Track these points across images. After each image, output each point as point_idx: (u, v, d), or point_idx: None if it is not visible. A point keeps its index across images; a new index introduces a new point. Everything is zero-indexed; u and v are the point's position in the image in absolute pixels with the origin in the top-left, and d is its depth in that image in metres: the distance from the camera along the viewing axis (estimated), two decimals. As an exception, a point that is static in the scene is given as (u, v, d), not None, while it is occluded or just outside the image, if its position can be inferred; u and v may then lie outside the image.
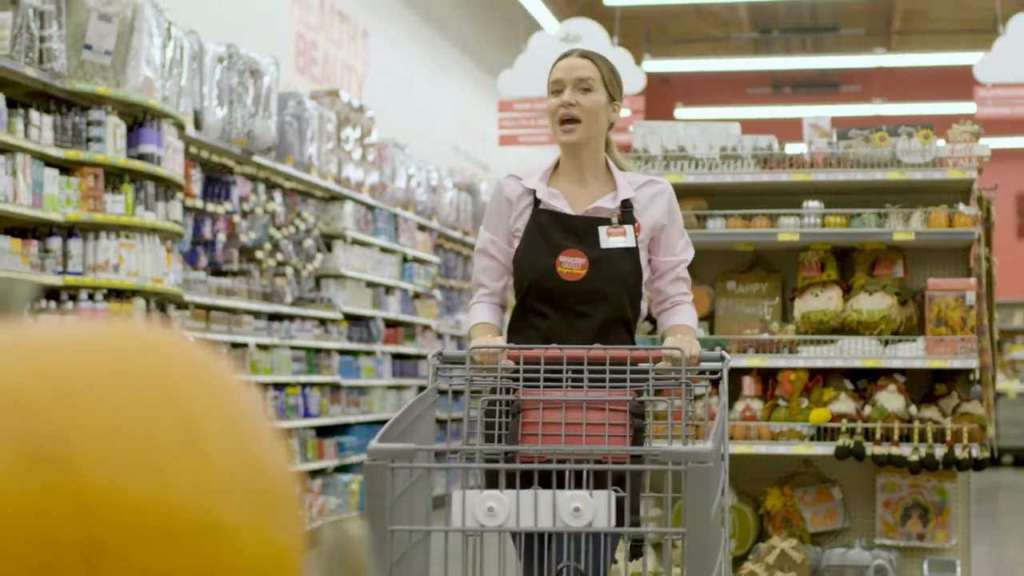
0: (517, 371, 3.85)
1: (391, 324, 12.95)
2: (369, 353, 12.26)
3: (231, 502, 1.05)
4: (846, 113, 21.38)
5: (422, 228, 13.96)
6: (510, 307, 4.28)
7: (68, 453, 0.98)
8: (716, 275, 7.20)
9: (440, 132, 16.52)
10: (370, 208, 12.32)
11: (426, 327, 13.93)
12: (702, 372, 3.91)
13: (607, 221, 4.12)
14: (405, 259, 13.39)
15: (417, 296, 13.72)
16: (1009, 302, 20.59)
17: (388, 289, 12.81)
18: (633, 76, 14.17)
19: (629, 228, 4.11)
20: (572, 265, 4.06)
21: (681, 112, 22.45)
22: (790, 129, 7.35)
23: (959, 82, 17.96)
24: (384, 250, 12.69)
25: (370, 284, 12.31)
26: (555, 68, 4.20)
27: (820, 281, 6.81)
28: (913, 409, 6.67)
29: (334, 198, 11.60)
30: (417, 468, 3.37)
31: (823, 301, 6.76)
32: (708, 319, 7.16)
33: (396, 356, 13.09)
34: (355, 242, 11.91)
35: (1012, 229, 23.71)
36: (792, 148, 7.23)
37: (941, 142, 6.84)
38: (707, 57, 21.80)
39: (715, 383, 4.07)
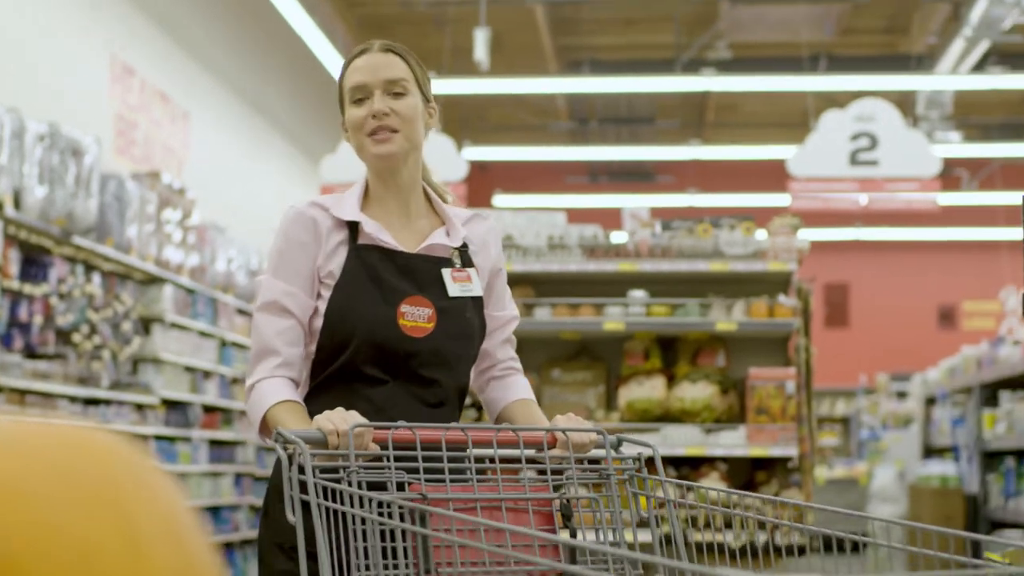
0: (408, 460, 2.71)
1: (209, 409, 12.76)
2: (186, 439, 12.06)
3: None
4: (661, 203, 21.80)
5: (241, 312, 13.82)
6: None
7: (10, 552, 0.95)
8: (541, 363, 7.26)
9: (261, 215, 16.44)
10: (189, 291, 12.16)
11: (243, 413, 13.75)
12: (631, 460, 2.98)
13: (448, 262, 3.28)
14: (224, 343, 13.23)
15: (235, 381, 13.55)
16: (817, 390, 21.09)
17: (206, 374, 12.63)
18: (454, 163, 14.29)
19: (474, 273, 3.29)
20: (417, 317, 3.18)
21: (500, 199, 22.68)
22: (609, 218, 7.48)
23: (772, 175, 18.44)
24: (203, 334, 12.53)
25: (188, 369, 12.13)
26: (352, 69, 3.27)
27: (644, 370, 6.92)
28: (735, 497, 6.78)
29: (153, 280, 11.43)
30: None
31: (647, 390, 6.85)
32: (534, 406, 7.21)
33: (213, 442, 12.89)
34: (174, 326, 11.73)
35: (820, 318, 24.35)
36: (615, 237, 7.35)
37: (762, 234, 7.02)
38: (526, 145, 22.09)
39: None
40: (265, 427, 3.09)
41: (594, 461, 2.92)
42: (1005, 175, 21.81)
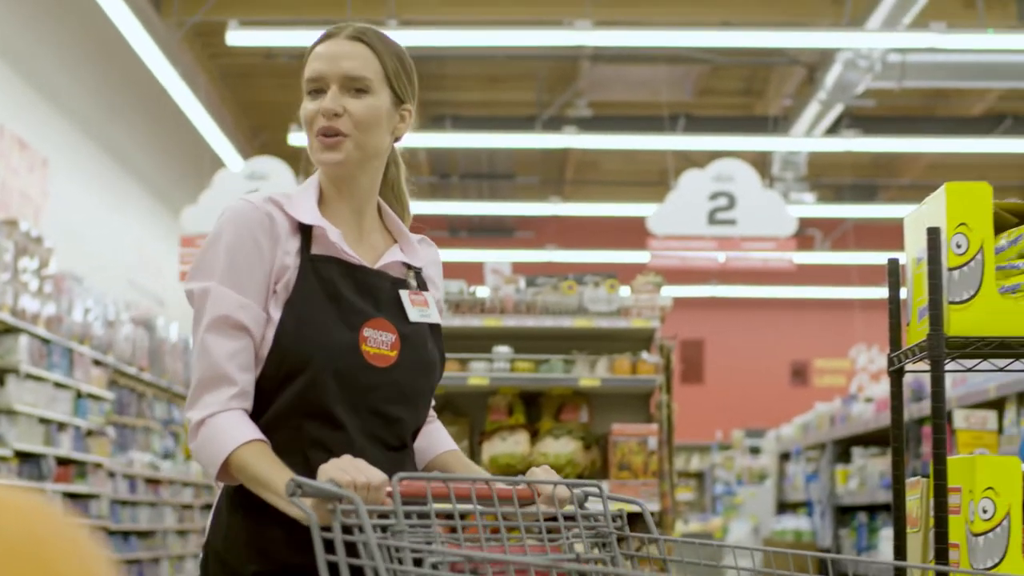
0: (444, 517, 2.38)
1: (63, 462, 12.53)
2: (39, 492, 11.82)
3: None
4: (521, 259, 21.94)
5: (97, 363, 13.62)
6: None
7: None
8: (406, 417, 7.28)
9: (118, 265, 16.23)
10: (45, 341, 11.96)
11: (98, 465, 13.53)
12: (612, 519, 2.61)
13: (404, 283, 2.85)
14: (79, 395, 13.02)
15: (90, 433, 13.33)
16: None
17: (61, 426, 12.42)
18: (317, 216, 14.25)
19: (430, 297, 2.88)
20: (380, 343, 2.72)
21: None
22: (471, 272, 7.54)
23: (632, 232, 18.65)
24: (58, 385, 12.32)
25: (43, 420, 11.91)
26: (313, 56, 2.83)
27: (508, 425, 6.96)
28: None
29: (9, 330, 11.23)
30: None
31: (511, 445, 6.89)
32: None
33: (67, 495, 12.66)
34: (29, 376, 11.53)
35: (675, 374, 24.62)
36: (475, 289, 7.41)
37: (626, 291, 7.12)
38: (387, 199, 22.06)
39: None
40: (226, 472, 2.61)
41: (586, 517, 2.60)
42: (857, 235, 22.30)
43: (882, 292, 14.43)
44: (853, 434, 10.61)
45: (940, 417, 2.93)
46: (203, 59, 17.25)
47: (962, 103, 17.34)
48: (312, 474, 2.39)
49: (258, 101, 19.24)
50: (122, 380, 14.82)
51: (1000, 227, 3.02)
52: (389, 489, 2.30)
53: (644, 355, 6.95)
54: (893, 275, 3.29)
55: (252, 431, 2.61)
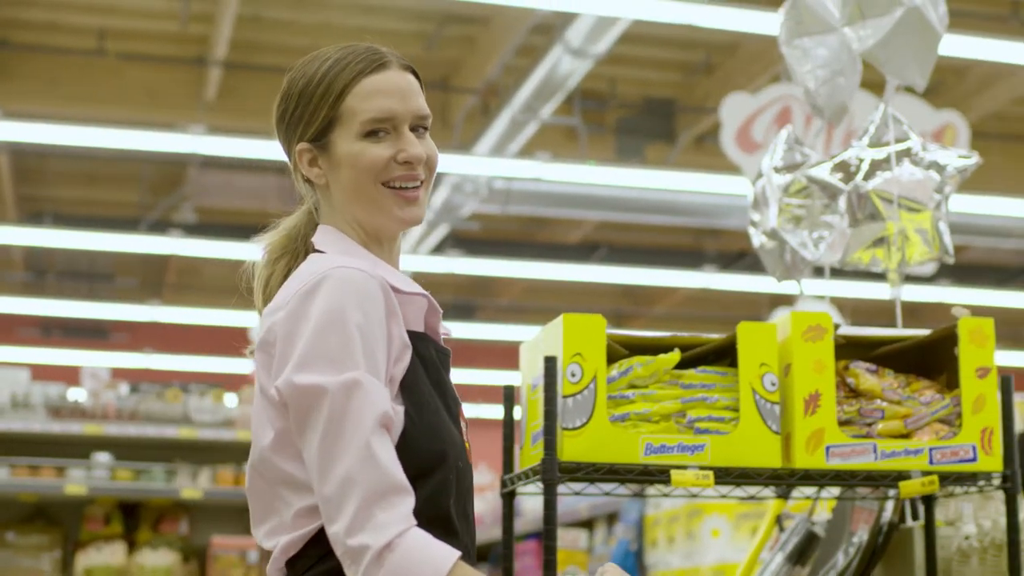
0: None
1: None
2: None
3: None
4: (117, 362, 21.41)
5: None
6: None
7: None
8: (-5, 525, 6.99)
9: None
10: None
11: None
12: None
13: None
14: None
15: None
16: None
17: None
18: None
19: None
20: (467, 436, 2.45)
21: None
22: (67, 374, 7.33)
23: (235, 340, 18.49)
24: None
25: None
26: (373, 88, 2.38)
27: (104, 535, 6.79)
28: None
29: None
30: None
31: (106, 555, 6.72)
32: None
33: None
34: None
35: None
36: (73, 394, 7.22)
37: (232, 400, 7.08)
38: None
39: None
40: None
41: None
42: (457, 353, 22.73)
43: (479, 410, 14.75)
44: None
45: (551, 538, 3.05)
46: None
47: (560, 230, 18.02)
48: None
49: None
50: None
51: (612, 358, 3.17)
52: None
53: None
54: (508, 400, 3.41)
55: (450, 549, 2.18)
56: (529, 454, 3.22)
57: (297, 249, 2.51)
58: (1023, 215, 12.27)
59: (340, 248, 2.38)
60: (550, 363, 3.10)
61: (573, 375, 3.10)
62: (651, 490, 3.53)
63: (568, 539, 7.52)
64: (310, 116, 2.42)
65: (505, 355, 21.90)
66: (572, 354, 3.11)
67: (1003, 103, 12.48)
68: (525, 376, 3.33)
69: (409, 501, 2.16)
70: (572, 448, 3.07)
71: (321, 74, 2.41)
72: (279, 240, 2.54)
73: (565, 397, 3.08)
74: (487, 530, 9.82)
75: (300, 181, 2.52)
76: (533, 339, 3.34)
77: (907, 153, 3.77)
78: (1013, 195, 11.73)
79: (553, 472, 3.06)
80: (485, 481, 24.30)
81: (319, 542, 2.24)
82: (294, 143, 2.46)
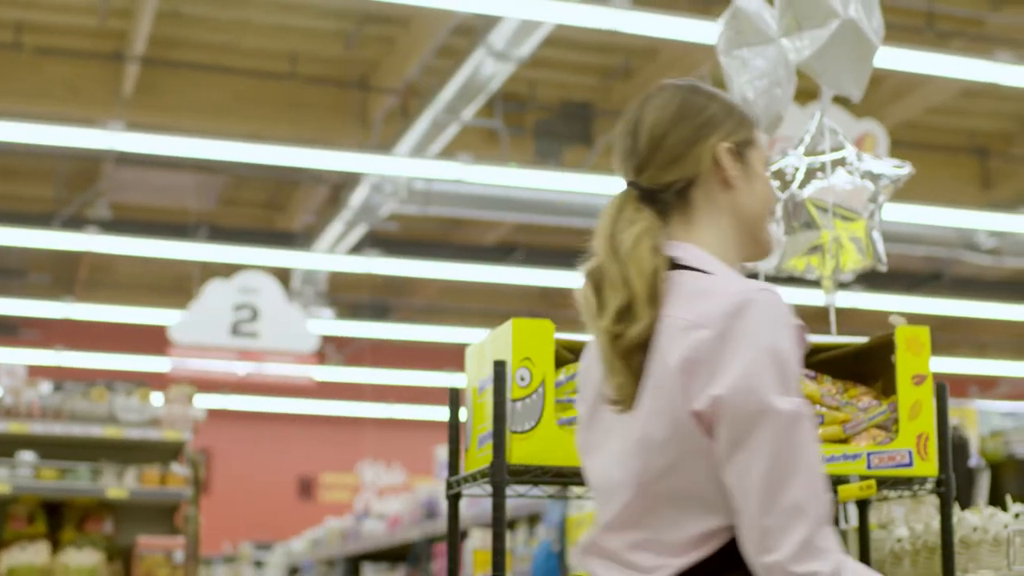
0: None
1: None
2: None
3: None
4: (28, 359, 21.13)
5: None
6: None
7: None
8: (-85, 524, 6.93)
9: None
10: None
11: None
12: None
13: None
14: None
15: None
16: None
17: None
18: None
19: None
20: None
21: None
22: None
23: (151, 338, 18.32)
24: None
25: None
26: (762, 141, 2.53)
27: (28, 534, 6.75)
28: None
29: None
30: None
31: (30, 555, 6.68)
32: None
33: None
34: None
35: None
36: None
37: (159, 399, 7.06)
38: None
39: None
40: None
41: None
42: (373, 353, 22.68)
43: (396, 410, 14.77)
44: (364, 550, 10.78)
45: (500, 540, 3.09)
46: None
47: (477, 232, 18.05)
48: None
49: None
50: None
51: (560, 362, 3.22)
52: None
53: (174, 466, 6.88)
54: (453, 402, 3.45)
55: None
56: (475, 456, 3.26)
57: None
58: (934, 223, 12.50)
59: (722, 267, 2.36)
60: (499, 367, 3.14)
61: (522, 379, 3.14)
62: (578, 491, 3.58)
63: (488, 540, 7.56)
64: (736, 125, 2.45)
65: (420, 355, 21.93)
66: (521, 358, 3.15)
67: (916, 112, 12.70)
68: (471, 379, 3.37)
69: (834, 531, 2.17)
70: (520, 451, 3.11)
71: (737, 102, 2.52)
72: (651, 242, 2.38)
73: (514, 401, 3.13)
74: (404, 531, 9.85)
75: (667, 188, 2.42)
76: (480, 342, 3.38)
77: (842, 162, 3.85)
78: (924, 203, 11.92)
79: (502, 475, 3.11)
80: (398, 481, 24.22)
81: (707, 565, 2.21)
82: (710, 139, 2.41)
